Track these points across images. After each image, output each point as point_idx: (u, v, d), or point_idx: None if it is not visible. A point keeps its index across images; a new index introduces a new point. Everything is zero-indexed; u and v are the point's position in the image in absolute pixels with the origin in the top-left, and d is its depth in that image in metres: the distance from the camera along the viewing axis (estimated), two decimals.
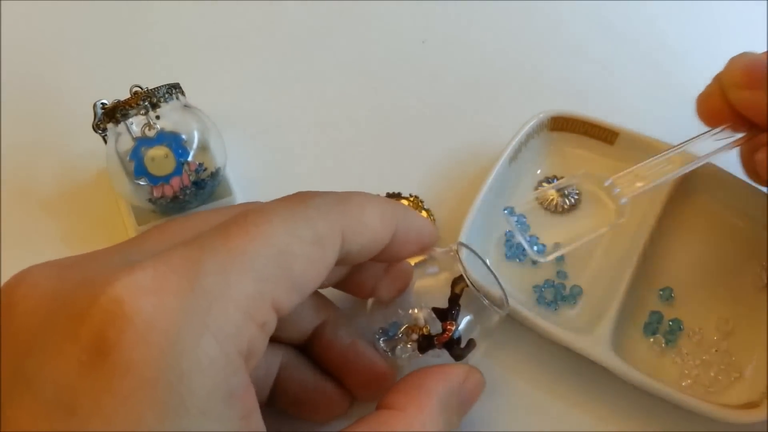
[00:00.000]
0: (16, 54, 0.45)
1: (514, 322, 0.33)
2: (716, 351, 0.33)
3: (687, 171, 0.33)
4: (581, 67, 0.46)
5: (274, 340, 0.29)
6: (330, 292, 0.31)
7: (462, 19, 0.48)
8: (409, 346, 0.29)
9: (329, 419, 0.30)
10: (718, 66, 0.45)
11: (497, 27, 0.48)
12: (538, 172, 0.39)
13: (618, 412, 0.32)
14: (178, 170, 0.34)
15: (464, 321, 0.28)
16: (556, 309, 0.35)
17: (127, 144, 0.34)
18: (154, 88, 0.34)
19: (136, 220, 0.37)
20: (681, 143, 0.33)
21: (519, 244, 0.36)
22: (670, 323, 0.34)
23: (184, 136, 0.35)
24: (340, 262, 0.25)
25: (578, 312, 0.34)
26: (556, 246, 0.33)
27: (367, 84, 0.45)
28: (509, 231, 0.37)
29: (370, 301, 0.31)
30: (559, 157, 0.40)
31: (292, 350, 0.30)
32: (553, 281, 0.35)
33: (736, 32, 0.47)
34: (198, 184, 0.35)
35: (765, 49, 0.32)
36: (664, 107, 0.44)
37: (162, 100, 0.34)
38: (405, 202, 0.39)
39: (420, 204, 0.39)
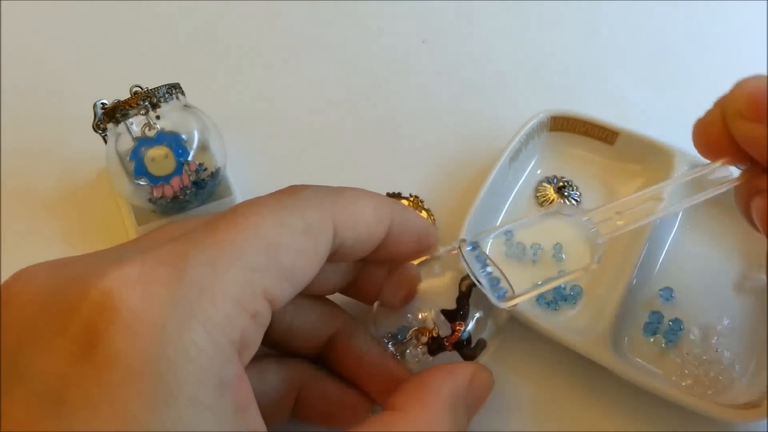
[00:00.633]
0: (16, 54, 0.45)
1: (514, 321, 0.33)
2: (716, 351, 0.33)
3: (672, 211, 0.31)
4: (581, 67, 0.46)
5: (291, 353, 0.29)
6: (338, 300, 0.31)
7: (462, 19, 0.48)
8: (418, 349, 0.28)
9: (353, 425, 0.30)
10: (718, 66, 0.45)
11: (497, 27, 0.48)
12: (538, 172, 0.39)
13: (618, 412, 0.32)
14: (178, 170, 0.34)
15: (473, 319, 0.28)
16: (556, 309, 0.35)
17: (127, 144, 0.34)
18: (154, 88, 0.34)
19: (136, 220, 0.37)
20: (670, 180, 0.31)
21: (518, 243, 0.36)
22: (671, 323, 0.34)
23: (184, 136, 0.35)
24: (335, 257, 0.24)
25: (578, 312, 0.34)
26: (534, 248, 0.32)
27: (368, 84, 0.45)
28: (509, 231, 0.37)
29: (375, 305, 0.30)
30: (559, 157, 0.40)
31: (311, 365, 0.29)
32: None
33: (736, 32, 0.47)
34: (198, 184, 0.35)
35: (765, 49, 0.31)
36: (664, 107, 0.44)
37: (162, 100, 0.34)
38: (405, 202, 0.39)
39: (420, 204, 0.39)
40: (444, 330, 0.28)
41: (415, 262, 0.30)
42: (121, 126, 0.34)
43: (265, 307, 0.21)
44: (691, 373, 0.33)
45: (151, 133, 0.34)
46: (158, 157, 0.34)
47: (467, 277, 0.27)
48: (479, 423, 0.31)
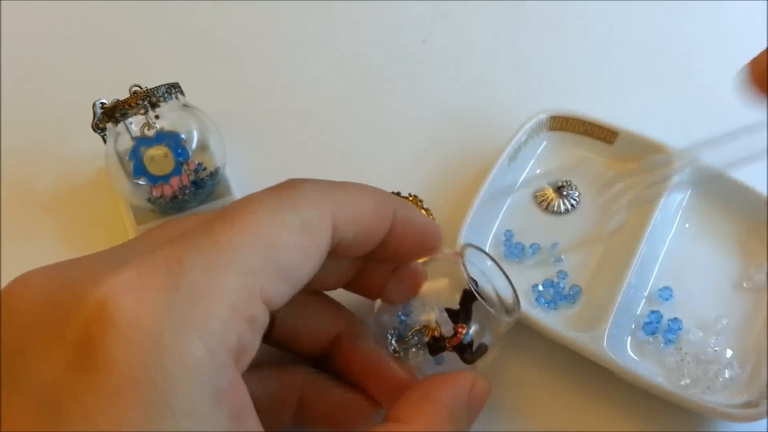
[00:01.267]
0: (16, 54, 0.45)
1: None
2: (715, 350, 0.33)
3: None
4: (581, 67, 0.46)
5: (295, 353, 0.29)
6: (341, 298, 0.31)
7: (462, 19, 0.48)
8: (419, 349, 0.28)
9: (357, 428, 0.30)
10: (718, 66, 0.45)
11: (497, 27, 0.48)
12: (538, 171, 0.39)
13: (617, 411, 0.32)
14: (177, 170, 0.34)
15: (476, 324, 0.27)
16: (555, 308, 0.35)
17: (126, 144, 0.34)
18: (153, 88, 0.34)
19: (136, 219, 0.37)
20: (697, 144, 0.32)
21: (518, 243, 0.36)
22: (669, 322, 0.34)
23: (183, 136, 0.35)
24: (335, 253, 0.24)
25: (578, 311, 0.34)
26: (553, 246, 0.33)
27: (367, 84, 0.45)
28: (508, 230, 0.37)
29: (377, 301, 0.30)
30: (559, 156, 0.40)
31: (311, 369, 0.29)
32: (552, 280, 0.35)
33: (736, 32, 0.47)
34: (197, 184, 0.35)
35: (765, 49, 0.31)
36: (664, 107, 0.44)
37: (161, 99, 0.34)
38: None
39: (420, 204, 0.39)
40: (446, 330, 0.28)
41: (420, 261, 0.29)
42: (121, 125, 0.34)
43: (262, 310, 0.21)
44: (690, 372, 0.33)
45: (151, 133, 0.34)
46: (157, 157, 0.34)
47: (471, 279, 0.27)
48: (478, 423, 0.31)
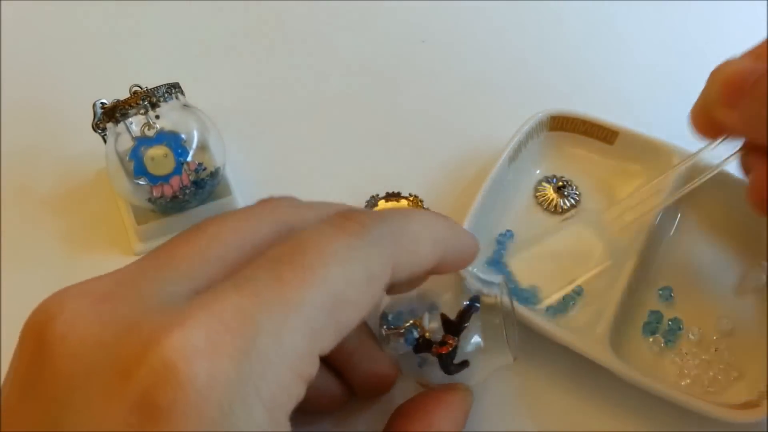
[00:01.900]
0: (16, 54, 0.45)
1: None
2: (716, 350, 0.33)
3: (685, 192, 0.33)
4: (581, 66, 0.46)
5: None
6: None
7: (462, 19, 0.48)
8: (406, 339, 0.28)
9: (326, 413, 0.30)
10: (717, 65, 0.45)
11: (497, 27, 0.48)
12: (538, 172, 0.39)
13: (617, 411, 0.32)
14: (177, 170, 0.34)
15: (469, 344, 0.27)
16: (555, 309, 0.34)
17: (126, 144, 0.34)
18: (153, 88, 0.34)
19: (136, 219, 0.37)
20: (677, 164, 0.33)
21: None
22: (670, 323, 0.34)
23: (183, 136, 0.35)
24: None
25: (577, 311, 0.34)
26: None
27: (367, 84, 0.45)
28: (500, 234, 0.37)
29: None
30: (559, 156, 0.40)
31: None
32: None
33: (736, 32, 0.47)
34: (197, 184, 0.35)
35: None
36: (663, 107, 0.43)
37: (161, 99, 0.34)
38: (405, 201, 0.39)
39: (420, 203, 0.39)
40: (435, 336, 0.27)
41: None
42: (121, 126, 0.34)
43: (317, 367, 0.21)
44: (690, 372, 0.33)
45: (151, 133, 0.34)
46: (158, 157, 0.34)
47: (476, 299, 0.27)
48: (476, 422, 0.31)
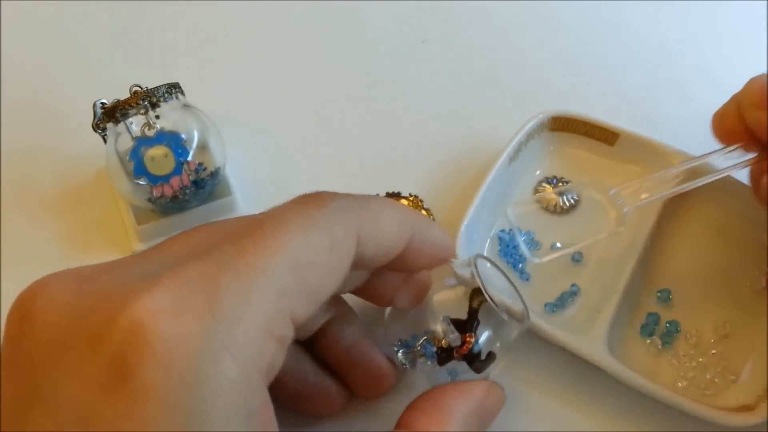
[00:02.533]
0: (16, 54, 0.45)
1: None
2: (713, 353, 0.33)
3: (692, 187, 0.33)
4: (581, 67, 0.46)
5: None
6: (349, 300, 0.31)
7: (462, 19, 0.48)
8: (427, 357, 0.28)
9: (325, 415, 0.30)
10: (718, 66, 0.45)
11: (497, 27, 0.48)
12: (538, 172, 0.39)
13: (613, 413, 0.32)
14: (177, 170, 0.35)
15: (484, 334, 0.27)
16: (553, 310, 0.35)
17: (126, 143, 0.34)
18: (153, 88, 0.34)
19: (136, 219, 0.37)
20: (691, 159, 0.34)
21: (515, 245, 0.36)
22: (668, 325, 0.34)
23: (183, 136, 0.35)
24: (353, 266, 0.24)
25: (575, 312, 0.34)
26: (553, 246, 0.33)
27: (367, 84, 0.45)
28: (502, 230, 0.37)
29: (387, 310, 0.30)
30: (559, 157, 0.40)
31: (293, 344, 0.30)
32: None
33: (736, 32, 0.47)
34: (198, 184, 0.35)
35: (765, 49, 0.32)
36: (664, 108, 0.43)
37: (161, 99, 0.34)
38: (405, 201, 0.39)
39: (419, 203, 0.39)
40: (454, 340, 0.27)
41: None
42: (121, 125, 0.34)
43: (290, 329, 0.21)
44: (687, 375, 0.33)
45: (151, 133, 0.34)
46: (158, 157, 0.34)
47: (478, 291, 0.27)
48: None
